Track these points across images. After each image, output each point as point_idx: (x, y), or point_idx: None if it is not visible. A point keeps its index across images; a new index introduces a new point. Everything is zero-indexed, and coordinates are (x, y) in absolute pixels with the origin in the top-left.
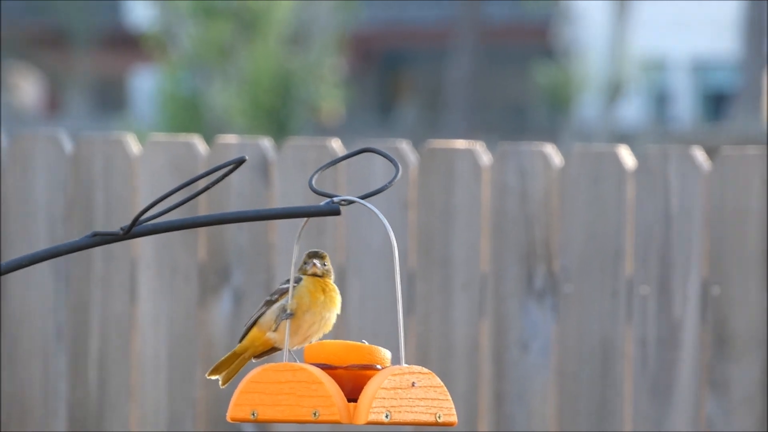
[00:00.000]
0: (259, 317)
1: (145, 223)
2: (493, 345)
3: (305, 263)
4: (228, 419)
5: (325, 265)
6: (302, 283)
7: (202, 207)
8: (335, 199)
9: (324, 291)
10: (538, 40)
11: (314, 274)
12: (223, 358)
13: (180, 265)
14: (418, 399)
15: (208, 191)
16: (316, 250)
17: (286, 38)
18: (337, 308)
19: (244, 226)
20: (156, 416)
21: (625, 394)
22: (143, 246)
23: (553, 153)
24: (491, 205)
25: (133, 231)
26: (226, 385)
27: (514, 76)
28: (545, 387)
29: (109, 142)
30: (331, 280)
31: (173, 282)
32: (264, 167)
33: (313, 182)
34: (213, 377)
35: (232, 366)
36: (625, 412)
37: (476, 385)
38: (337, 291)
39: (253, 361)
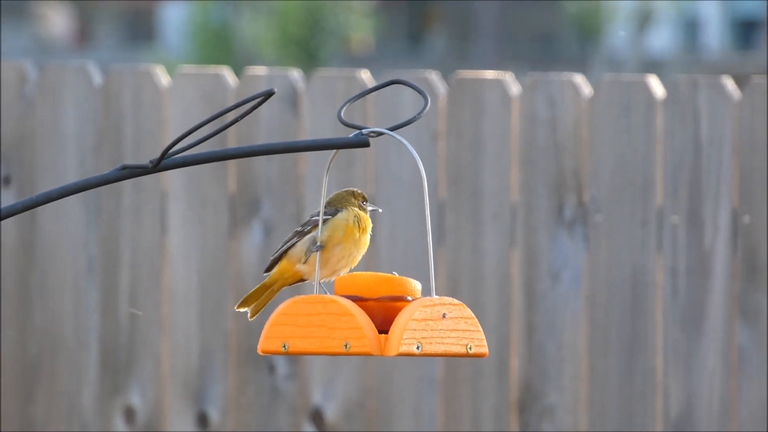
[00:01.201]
0: (288, 248)
1: (174, 156)
2: (523, 276)
3: (360, 201)
4: (259, 352)
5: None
6: (341, 215)
7: (232, 139)
8: (364, 131)
9: (362, 230)
10: None
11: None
12: (251, 291)
13: (210, 197)
14: (449, 330)
15: (237, 123)
16: (360, 191)
17: None
18: (365, 248)
19: (274, 158)
20: (187, 348)
21: (656, 324)
22: (173, 178)
23: (582, 83)
24: (521, 135)
25: (162, 164)
26: (255, 318)
27: (544, 5)
28: (576, 317)
29: (139, 74)
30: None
31: (203, 214)
32: (293, 99)
33: (342, 114)
34: (242, 309)
35: (261, 298)
36: (657, 342)
37: (507, 316)
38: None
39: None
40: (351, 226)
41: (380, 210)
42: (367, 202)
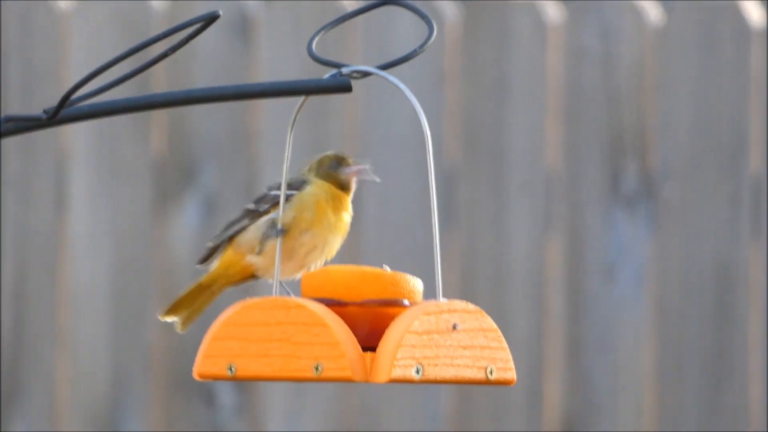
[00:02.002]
0: (236, 233)
1: (78, 105)
2: (565, 271)
3: (337, 165)
4: (195, 376)
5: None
6: (309, 189)
7: (159, 81)
8: (344, 70)
9: (339, 208)
10: None
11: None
12: (183, 293)
13: (127, 162)
14: (462, 347)
15: (167, 59)
16: (340, 153)
17: None
18: (344, 234)
19: (218, 108)
20: (94, 370)
21: (749, 337)
22: (76, 136)
23: (648, 6)
24: (562, 77)
25: (61, 115)
26: (186, 329)
27: None
28: (638, 329)
29: None
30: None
31: (117, 185)
32: (244, 26)
33: (314, 47)
34: (170, 319)
35: (197, 302)
36: (751, 363)
37: (542, 328)
38: (351, 210)
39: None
40: (323, 205)
41: (377, 179)
42: (348, 166)
